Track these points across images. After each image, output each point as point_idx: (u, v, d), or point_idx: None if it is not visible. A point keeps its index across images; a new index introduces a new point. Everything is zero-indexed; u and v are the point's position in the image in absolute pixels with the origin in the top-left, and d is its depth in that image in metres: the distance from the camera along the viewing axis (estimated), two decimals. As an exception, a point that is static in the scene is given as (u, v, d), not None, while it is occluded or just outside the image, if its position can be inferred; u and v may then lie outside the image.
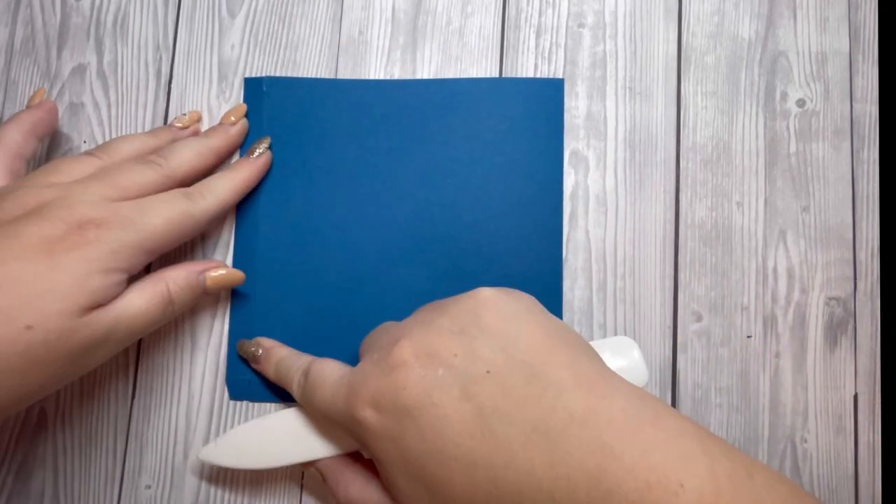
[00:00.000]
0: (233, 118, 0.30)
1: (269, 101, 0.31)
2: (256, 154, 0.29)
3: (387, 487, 0.23)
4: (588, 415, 0.19)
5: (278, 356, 0.27)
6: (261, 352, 0.28)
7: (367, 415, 0.22)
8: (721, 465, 0.18)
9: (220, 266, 0.27)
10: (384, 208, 0.29)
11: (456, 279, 0.29)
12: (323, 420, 0.25)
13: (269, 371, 0.27)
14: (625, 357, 0.25)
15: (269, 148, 0.30)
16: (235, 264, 0.30)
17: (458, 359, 0.21)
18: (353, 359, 0.29)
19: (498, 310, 0.22)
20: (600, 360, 0.22)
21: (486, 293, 0.23)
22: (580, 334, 0.24)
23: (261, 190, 0.30)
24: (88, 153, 0.26)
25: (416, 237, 0.29)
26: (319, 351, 0.29)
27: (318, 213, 0.30)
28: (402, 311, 0.28)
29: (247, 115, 0.30)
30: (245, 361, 0.29)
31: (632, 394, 0.20)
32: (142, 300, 0.24)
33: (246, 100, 0.31)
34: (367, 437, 0.22)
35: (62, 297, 0.22)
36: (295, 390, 0.26)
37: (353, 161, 0.30)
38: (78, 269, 0.22)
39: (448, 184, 0.30)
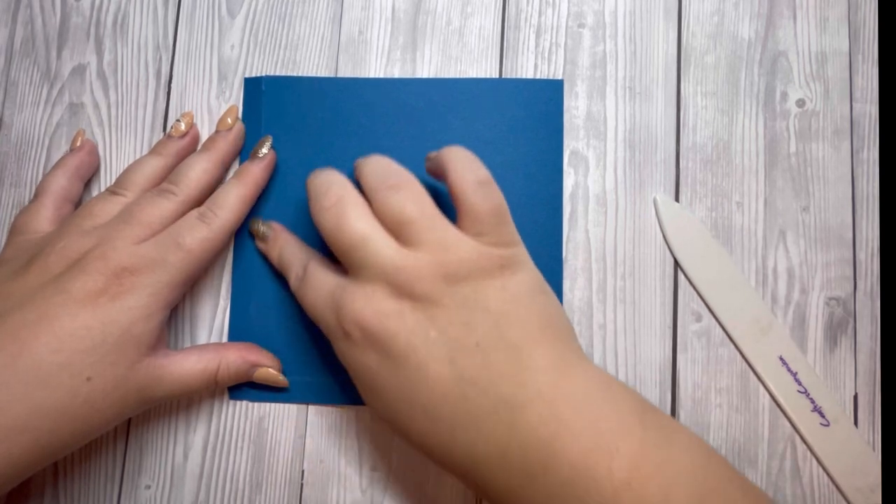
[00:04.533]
0: (229, 121, 0.30)
1: (267, 100, 0.31)
2: (261, 155, 0.29)
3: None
4: (551, 392, 0.22)
5: (284, 241, 0.28)
6: (270, 233, 0.29)
7: (355, 333, 0.23)
8: (650, 435, 0.21)
9: (272, 364, 0.28)
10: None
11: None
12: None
13: (274, 254, 0.29)
14: None
15: (272, 147, 0.29)
16: (235, 264, 0.30)
17: (452, 327, 0.22)
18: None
19: (502, 289, 0.23)
20: (580, 347, 0.24)
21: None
22: (569, 320, 0.25)
23: (261, 190, 0.30)
24: (113, 192, 0.28)
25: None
26: (320, 349, 0.29)
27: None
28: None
29: (243, 115, 0.30)
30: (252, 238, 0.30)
31: (597, 377, 0.23)
32: (192, 366, 0.27)
33: (245, 100, 0.31)
34: (348, 350, 0.24)
35: (113, 348, 0.24)
36: (292, 281, 0.27)
37: (352, 160, 0.30)
38: (122, 320, 0.24)
39: (448, 184, 0.29)
